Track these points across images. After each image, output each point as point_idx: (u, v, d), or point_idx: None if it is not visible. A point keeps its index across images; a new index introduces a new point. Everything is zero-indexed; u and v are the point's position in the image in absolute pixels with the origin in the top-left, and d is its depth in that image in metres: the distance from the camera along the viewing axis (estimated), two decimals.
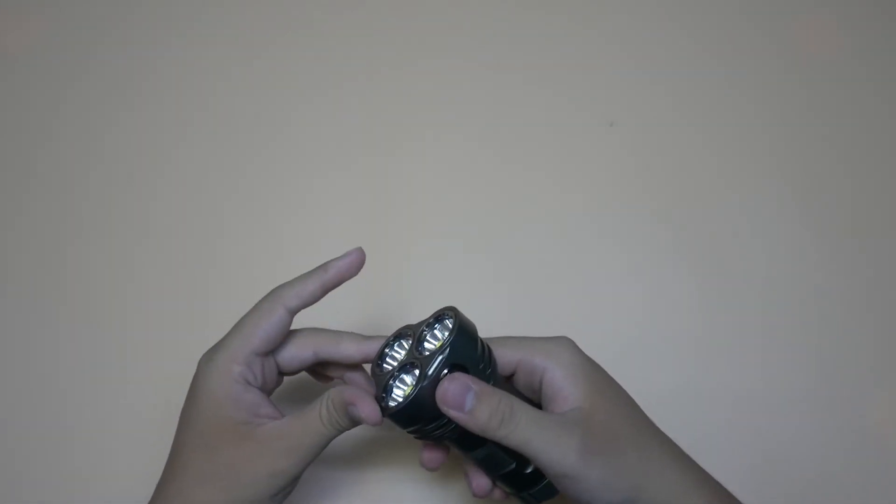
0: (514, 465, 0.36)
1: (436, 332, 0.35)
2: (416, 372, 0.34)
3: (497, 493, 0.39)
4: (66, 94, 0.59)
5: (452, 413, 0.33)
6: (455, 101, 0.58)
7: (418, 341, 0.35)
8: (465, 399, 0.33)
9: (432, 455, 0.38)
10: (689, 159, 0.56)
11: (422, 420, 0.34)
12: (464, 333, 0.34)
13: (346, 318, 0.49)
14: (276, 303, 0.36)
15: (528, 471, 0.36)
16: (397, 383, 0.35)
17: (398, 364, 0.35)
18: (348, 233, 0.53)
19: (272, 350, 0.37)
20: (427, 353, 0.34)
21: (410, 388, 0.34)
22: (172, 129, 0.57)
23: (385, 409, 0.34)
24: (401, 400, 0.34)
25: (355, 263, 0.36)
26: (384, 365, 0.36)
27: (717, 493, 0.35)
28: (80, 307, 0.51)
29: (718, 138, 0.56)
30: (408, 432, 0.35)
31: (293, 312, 0.36)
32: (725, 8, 0.61)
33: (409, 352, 0.36)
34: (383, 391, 0.35)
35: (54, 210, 0.54)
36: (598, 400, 0.35)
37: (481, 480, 0.38)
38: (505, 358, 0.36)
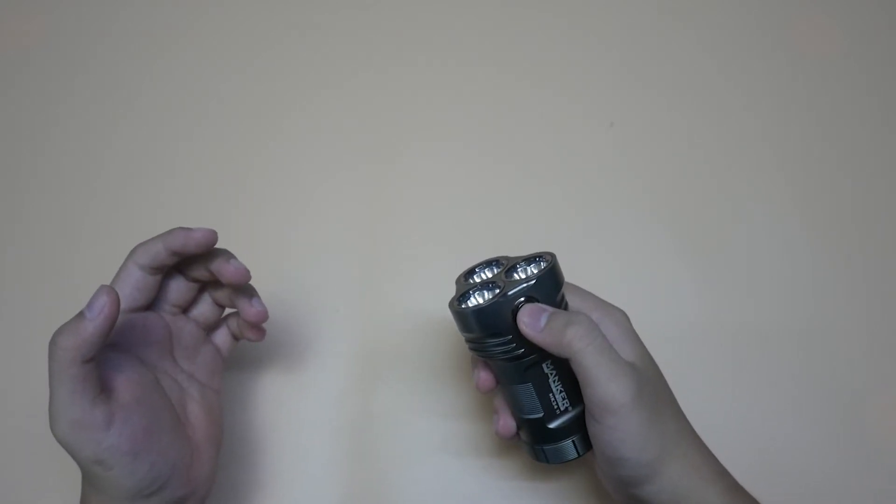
0: (542, 415, 0.37)
1: (529, 268, 0.37)
2: (497, 290, 0.36)
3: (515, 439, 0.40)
4: (67, 93, 0.59)
5: (527, 329, 0.34)
6: (454, 101, 0.58)
7: (509, 270, 0.38)
8: (540, 318, 0.35)
9: (486, 378, 0.39)
10: (689, 159, 0.56)
11: (486, 329, 0.36)
12: (553, 276, 0.36)
13: (345, 318, 0.50)
14: (127, 260, 0.37)
15: (552, 426, 0.37)
16: (476, 295, 0.37)
17: (483, 281, 0.38)
18: (347, 237, 0.53)
19: (145, 304, 0.38)
20: (514, 280, 0.37)
21: (490, 298, 0.36)
22: (172, 131, 0.57)
23: (459, 308, 0.36)
24: (481, 302, 0.36)
25: (200, 239, 0.36)
26: (471, 280, 0.39)
27: (735, 489, 0.36)
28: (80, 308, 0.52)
29: (718, 138, 0.56)
30: (467, 341, 0.38)
31: (144, 268, 0.37)
32: (725, 8, 0.61)
33: (497, 275, 0.38)
34: (461, 296, 0.37)
35: (55, 210, 0.55)
36: (647, 363, 0.36)
37: (509, 421, 0.39)
38: (571, 304, 0.38)
